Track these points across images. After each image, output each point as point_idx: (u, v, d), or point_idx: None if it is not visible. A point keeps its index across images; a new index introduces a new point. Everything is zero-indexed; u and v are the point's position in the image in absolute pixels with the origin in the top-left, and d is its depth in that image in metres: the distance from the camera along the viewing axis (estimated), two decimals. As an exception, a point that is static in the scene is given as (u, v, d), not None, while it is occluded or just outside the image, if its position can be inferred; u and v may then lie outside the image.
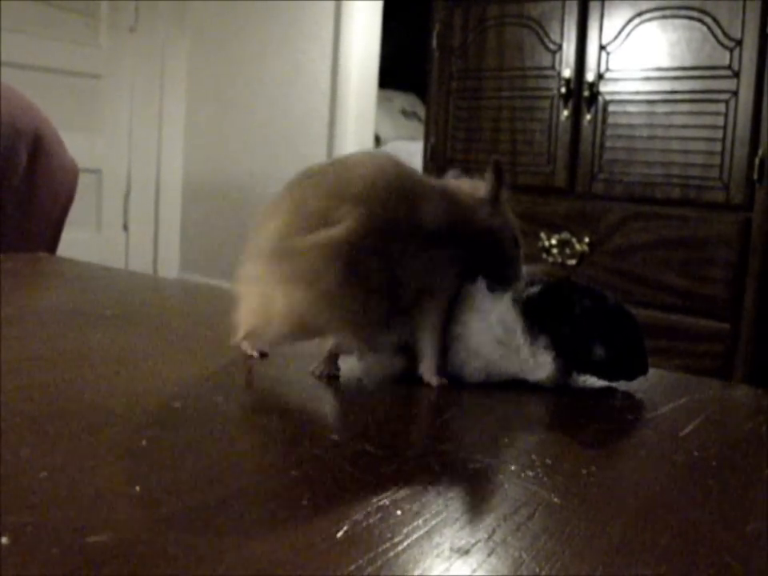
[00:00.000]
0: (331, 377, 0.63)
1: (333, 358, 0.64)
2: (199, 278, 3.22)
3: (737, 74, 1.74)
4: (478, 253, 0.65)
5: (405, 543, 0.36)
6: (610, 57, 1.93)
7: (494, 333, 0.62)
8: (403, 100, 4.50)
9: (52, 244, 1.63)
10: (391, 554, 0.35)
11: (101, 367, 0.63)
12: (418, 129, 4.01)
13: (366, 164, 0.64)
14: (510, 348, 0.62)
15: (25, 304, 0.89)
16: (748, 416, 0.66)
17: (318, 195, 0.60)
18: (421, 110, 4.13)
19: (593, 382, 0.66)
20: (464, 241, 0.64)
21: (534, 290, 0.63)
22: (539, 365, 0.62)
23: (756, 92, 1.71)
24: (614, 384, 0.66)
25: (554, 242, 1.98)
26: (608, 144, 1.93)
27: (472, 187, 0.68)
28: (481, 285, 0.63)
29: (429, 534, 0.37)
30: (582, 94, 1.96)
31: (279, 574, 0.33)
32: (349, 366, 0.65)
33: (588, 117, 1.95)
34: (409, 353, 0.64)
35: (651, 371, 0.66)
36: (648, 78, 1.87)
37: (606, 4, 1.92)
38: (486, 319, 0.62)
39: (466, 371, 0.63)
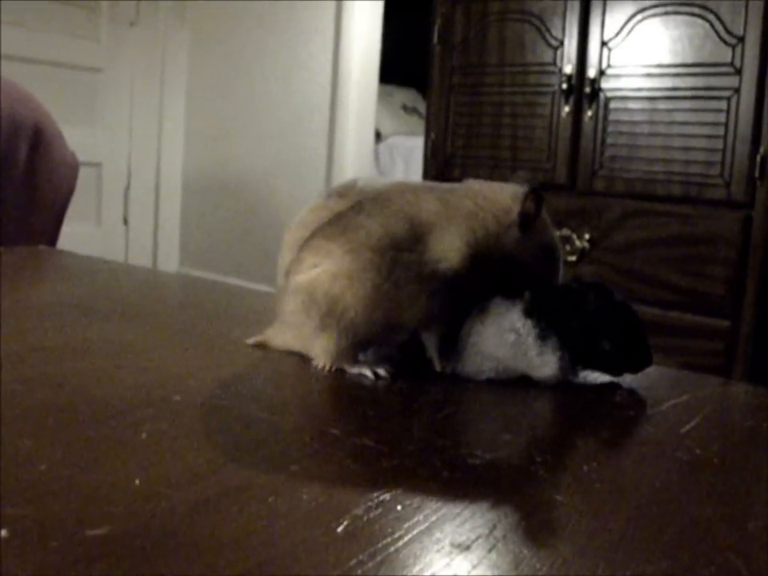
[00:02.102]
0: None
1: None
2: (199, 272, 3.22)
3: (739, 71, 1.73)
4: (503, 279, 0.65)
5: (405, 538, 0.36)
6: (612, 53, 1.92)
7: (506, 338, 0.63)
8: (404, 95, 4.49)
9: (52, 237, 1.62)
10: (391, 548, 0.35)
11: (100, 360, 0.63)
12: (419, 124, 4.00)
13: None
14: (519, 351, 0.63)
15: (24, 297, 0.89)
16: (749, 413, 0.65)
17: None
18: (421, 106, 4.12)
19: (594, 378, 0.66)
20: (487, 270, 0.64)
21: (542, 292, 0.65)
22: (545, 363, 0.63)
23: (758, 89, 1.71)
24: (616, 379, 0.66)
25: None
26: (609, 140, 1.92)
27: (504, 203, 0.66)
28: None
29: (429, 530, 0.37)
30: (584, 90, 1.95)
31: (279, 569, 0.33)
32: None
33: (589, 113, 1.95)
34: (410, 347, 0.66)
35: (652, 368, 0.66)
36: (649, 75, 1.86)
37: (608, 1, 1.91)
38: (500, 325, 0.63)
39: (478, 371, 0.64)
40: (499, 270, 0.65)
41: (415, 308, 0.64)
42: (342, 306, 0.63)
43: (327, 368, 0.64)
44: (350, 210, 0.65)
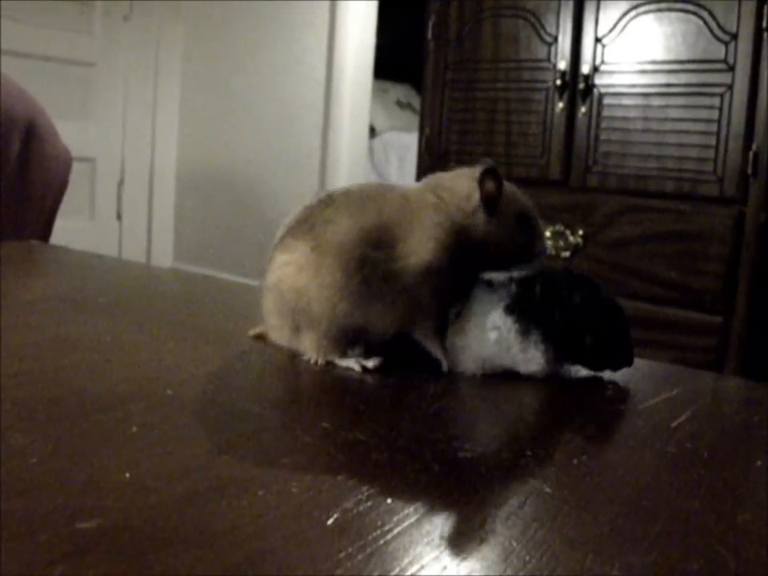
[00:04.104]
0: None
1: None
2: (193, 267, 3.21)
3: (732, 68, 1.74)
4: (485, 263, 0.65)
5: (395, 531, 0.36)
6: (606, 49, 1.92)
7: (489, 336, 0.63)
8: (398, 91, 4.49)
9: (45, 232, 1.62)
10: (381, 541, 0.35)
11: (93, 355, 0.63)
12: (413, 120, 4.00)
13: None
14: (503, 348, 0.63)
15: (17, 292, 0.88)
16: (739, 407, 0.66)
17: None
18: (416, 101, 4.12)
19: (585, 373, 0.66)
20: (465, 259, 0.64)
21: (529, 277, 0.64)
22: (530, 358, 0.63)
23: (751, 86, 1.71)
24: (602, 374, 0.66)
25: (548, 233, 1.98)
26: (603, 137, 1.93)
27: (464, 190, 0.65)
28: (478, 286, 0.65)
29: (419, 522, 0.37)
30: (577, 86, 1.95)
31: (269, 562, 0.33)
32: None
33: (583, 109, 1.95)
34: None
35: (643, 362, 0.67)
36: (643, 71, 1.87)
37: (602, -4, 1.92)
38: (483, 322, 0.63)
39: (463, 366, 0.64)
40: (478, 256, 0.65)
41: (386, 306, 0.64)
42: (306, 299, 0.63)
43: (315, 362, 0.64)
44: (318, 204, 0.66)
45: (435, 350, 0.65)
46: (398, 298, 0.63)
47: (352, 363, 0.64)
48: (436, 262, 0.63)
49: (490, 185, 0.64)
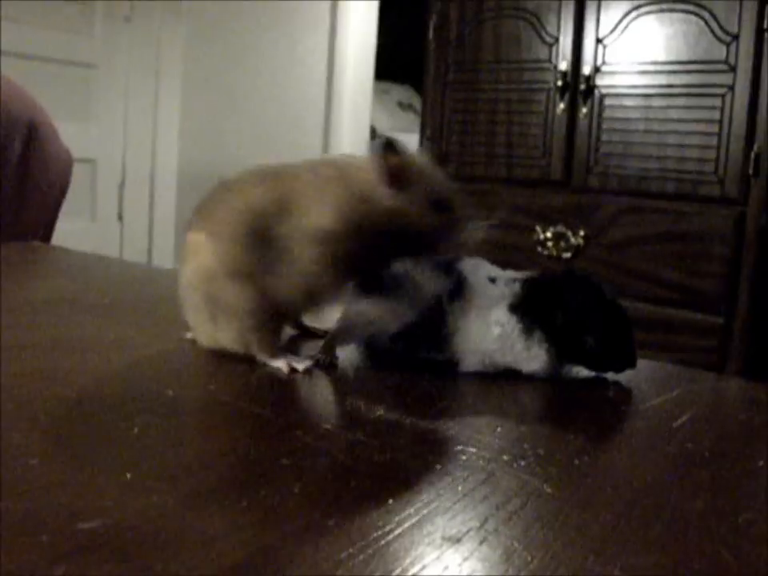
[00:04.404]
0: (329, 365, 0.63)
1: (331, 346, 0.64)
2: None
3: (733, 69, 1.74)
4: (398, 242, 0.62)
5: (396, 531, 0.36)
6: (607, 50, 1.92)
7: (491, 330, 0.63)
8: (399, 92, 4.48)
9: (46, 233, 1.62)
10: (382, 542, 0.35)
11: (94, 355, 0.63)
12: (415, 121, 4.00)
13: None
14: (505, 344, 0.63)
15: (18, 293, 0.88)
16: (741, 408, 0.66)
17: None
18: (417, 102, 4.12)
19: (587, 373, 0.66)
20: (372, 234, 0.61)
21: (532, 279, 0.64)
22: (533, 357, 0.63)
23: (752, 87, 1.71)
24: (604, 375, 0.66)
25: (549, 235, 1.98)
26: (604, 137, 1.93)
27: (366, 164, 0.62)
28: (481, 281, 0.64)
29: (420, 523, 0.37)
30: (579, 87, 1.95)
31: (270, 562, 0.33)
32: (345, 355, 0.65)
33: (584, 110, 1.95)
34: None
35: (644, 363, 0.66)
36: (644, 72, 1.87)
37: (603, -3, 1.92)
38: (485, 319, 0.63)
39: (463, 363, 0.64)
40: (383, 232, 0.61)
41: (288, 279, 0.61)
42: (214, 290, 0.61)
43: (240, 353, 0.62)
44: (211, 191, 0.66)
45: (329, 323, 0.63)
46: (292, 268, 0.61)
47: (281, 363, 0.61)
48: (331, 228, 0.60)
49: (389, 158, 0.61)
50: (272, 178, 0.63)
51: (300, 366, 0.61)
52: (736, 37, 1.73)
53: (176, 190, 3.43)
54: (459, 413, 0.57)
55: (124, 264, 1.46)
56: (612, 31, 1.91)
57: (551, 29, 1.99)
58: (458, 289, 0.63)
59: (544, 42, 2.01)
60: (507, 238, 2.03)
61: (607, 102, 1.92)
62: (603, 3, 1.92)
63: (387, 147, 0.61)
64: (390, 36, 3.69)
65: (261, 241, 0.60)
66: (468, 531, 0.37)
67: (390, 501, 0.39)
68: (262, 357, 0.63)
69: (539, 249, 2.00)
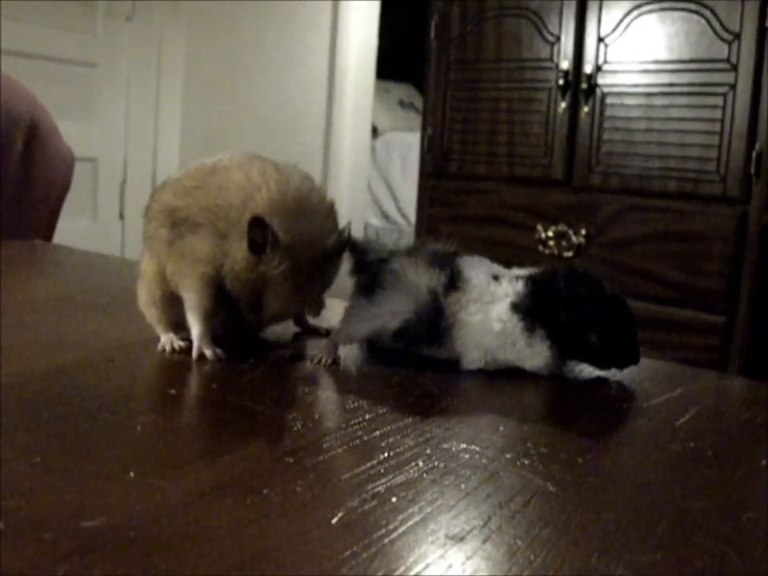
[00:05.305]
0: (331, 365, 0.64)
1: (333, 346, 0.65)
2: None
3: (735, 68, 1.73)
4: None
5: (400, 530, 0.36)
6: (608, 49, 1.92)
7: (492, 326, 0.62)
8: (401, 91, 4.48)
9: (48, 232, 1.62)
10: (386, 540, 0.35)
11: (96, 354, 0.63)
12: (416, 120, 4.00)
13: None
14: (507, 341, 0.63)
15: (20, 291, 0.88)
16: (743, 407, 0.66)
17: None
18: (418, 101, 4.12)
19: (590, 372, 0.66)
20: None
21: (535, 275, 0.64)
22: (535, 353, 0.63)
23: (754, 85, 1.71)
24: (607, 373, 0.66)
25: (550, 233, 1.98)
26: (605, 136, 1.92)
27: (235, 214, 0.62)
28: (484, 278, 0.64)
29: (424, 521, 0.37)
30: (580, 85, 1.95)
31: (274, 560, 0.33)
32: (346, 354, 0.65)
33: (586, 109, 1.95)
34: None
35: (647, 362, 0.66)
36: (646, 71, 1.86)
37: (605, -4, 1.91)
38: (487, 314, 0.63)
39: (465, 359, 0.64)
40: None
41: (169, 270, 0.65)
42: (145, 282, 0.67)
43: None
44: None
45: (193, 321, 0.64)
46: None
47: (163, 339, 0.65)
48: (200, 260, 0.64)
49: (257, 233, 0.60)
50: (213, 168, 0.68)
51: (208, 353, 0.63)
52: (738, 36, 1.73)
53: (177, 188, 3.42)
54: (462, 411, 0.57)
55: (125, 263, 1.46)
56: (614, 30, 1.90)
57: (553, 27, 1.99)
58: (453, 281, 0.63)
59: (546, 40, 2.01)
60: (508, 236, 2.03)
61: (609, 100, 1.92)
62: (605, 2, 1.92)
63: (255, 223, 0.59)
64: (391, 35, 3.69)
65: (177, 223, 0.65)
66: (471, 530, 0.37)
67: (394, 499, 0.39)
68: (160, 333, 0.66)
69: (540, 248, 2.00)
